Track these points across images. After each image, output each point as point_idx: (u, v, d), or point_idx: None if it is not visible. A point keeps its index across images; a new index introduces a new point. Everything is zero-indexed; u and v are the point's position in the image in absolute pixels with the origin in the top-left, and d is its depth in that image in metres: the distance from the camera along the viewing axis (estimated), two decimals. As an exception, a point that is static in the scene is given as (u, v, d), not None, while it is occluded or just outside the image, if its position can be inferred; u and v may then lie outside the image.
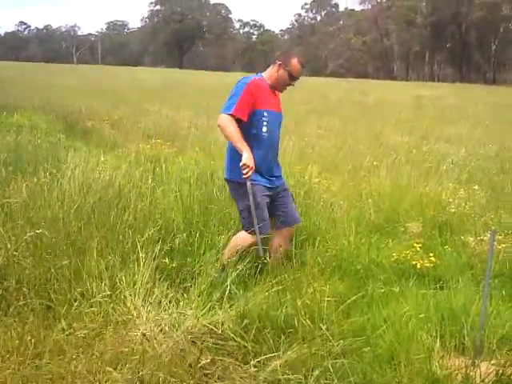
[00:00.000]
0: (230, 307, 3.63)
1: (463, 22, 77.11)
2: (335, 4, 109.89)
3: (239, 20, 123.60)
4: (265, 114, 4.42)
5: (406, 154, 10.73)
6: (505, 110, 25.42)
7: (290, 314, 3.54)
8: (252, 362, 3.14)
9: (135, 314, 3.36)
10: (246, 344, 3.30)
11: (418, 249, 4.99)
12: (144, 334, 3.05)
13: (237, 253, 4.28)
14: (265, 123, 4.42)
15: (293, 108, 19.07)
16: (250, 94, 4.36)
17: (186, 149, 10.22)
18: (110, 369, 2.85)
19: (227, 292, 3.76)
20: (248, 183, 4.24)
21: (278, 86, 4.54)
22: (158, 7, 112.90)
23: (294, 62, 4.38)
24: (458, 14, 75.40)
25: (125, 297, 3.51)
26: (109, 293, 3.51)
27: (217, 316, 3.51)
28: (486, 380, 3.05)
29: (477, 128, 17.40)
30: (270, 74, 4.53)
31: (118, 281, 3.64)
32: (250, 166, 4.16)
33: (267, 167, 4.52)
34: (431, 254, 4.90)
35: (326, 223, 5.57)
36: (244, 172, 4.17)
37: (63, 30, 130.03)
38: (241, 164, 4.16)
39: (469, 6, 73.43)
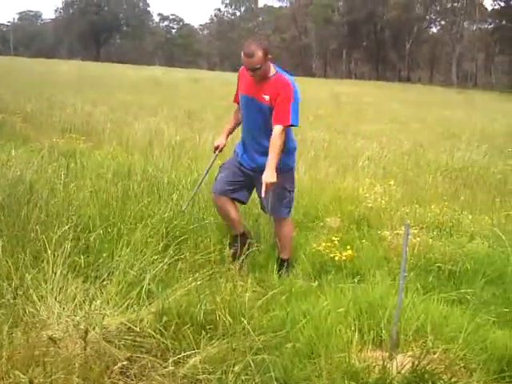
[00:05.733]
0: (149, 304, 3.56)
1: (379, 21, 79.18)
2: (254, 0, 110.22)
3: (159, 14, 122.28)
4: (240, 97, 4.84)
5: (324, 150, 10.87)
6: (418, 108, 26.27)
7: (209, 310, 3.50)
8: (171, 359, 3.09)
9: (45, 315, 3.23)
10: (165, 341, 3.24)
11: (336, 242, 5.04)
12: (50, 338, 2.92)
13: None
14: (242, 105, 4.85)
15: (213, 104, 19.04)
16: (238, 81, 4.93)
17: (103, 143, 9.97)
18: (19, 373, 2.72)
19: (145, 289, 3.68)
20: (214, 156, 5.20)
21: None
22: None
23: (242, 54, 4.51)
24: (373, 14, 77.35)
25: (36, 296, 3.37)
26: (18, 292, 3.36)
27: (135, 314, 3.42)
28: (403, 371, 3.10)
29: (392, 125, 17.89)
30: None
31: (28, 280, 3.49)
32: (215, 146, 5.12)
33: (243, 147, 4.94)
34: (348, 247, 4.97)
35: (247, 218, 5.57)
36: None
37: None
38: None
39: (384, 5, 75.41)
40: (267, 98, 4.61)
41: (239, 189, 4.93)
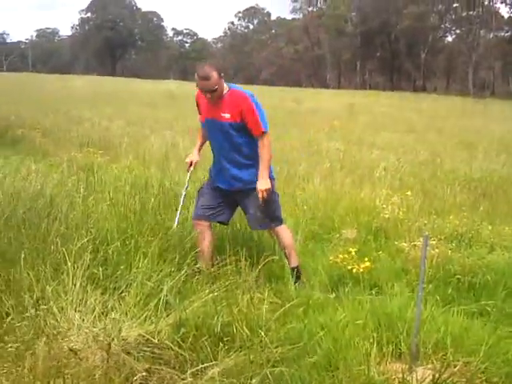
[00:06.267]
0: (167, 316, 3.57)
1: (392, 31, 78.84)
2: (267, 13, 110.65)
3: (173, 28, 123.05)
4: (203, 122, 4.93)
5: (340, 161, 10.87)
6: (434, 118, 26.15)
7: (226, 321, 3.50)
8: (189, 371, 3.08)
9: (66, 326, 3.26)
10: (183, 352, 3.25)
11: (354, 253, 5.02)
12: (71, 349, 2.94)
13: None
14: (206, 129, 4.95)
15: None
16: (196, 104, 4.98)
17: (120, 157, 10.07)
18: (41, 384, 2.74)
19: (163, 300, 3.70)
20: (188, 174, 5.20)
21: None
22: (88, 15, 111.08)
23: (196, 76, 4.57)
24: (387, 24, 77.04)
25: (56, 308, 3.39)
26: (40, 304, 3.39)
27: (153, 325, 3.44)
28: (423, 384, 3.08)
29: (408, 135, 17.83)
30: None
31: (49, 292, 3.52)
32: (188, 162, 5.12)
33: (217, 168, 4.96)
34: (366, 259, 4.93)
35: (261, 231, 5.55)
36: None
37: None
38: None
39: (397, 15, 75.15)
40: (227, 115, 4.69)
41: (220, 211, 4.95)
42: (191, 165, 5.11)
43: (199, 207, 4.96)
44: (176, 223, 4.96)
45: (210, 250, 4.84)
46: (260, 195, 4.66)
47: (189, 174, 5.19)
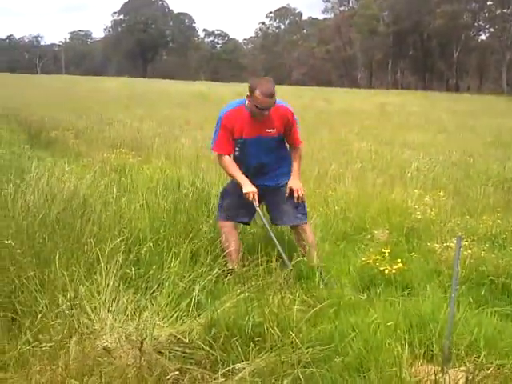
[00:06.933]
0: (198, 316, 3.60)
1: (425, 30, 78.07)
2: (299, 13, 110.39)
3: (204, 29, 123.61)
4: (238, 142, 4.76)
5: (371, 161, 10.80)
6: (467, 117, 25.79)
7: (257, 322, 3.50)
8: (221, 371, 3.10)
9: (98, 326, 3.30)
10: (214, 353, 3.27)
11: (387, 254, 4.98)
12: (105, 348, 2.98)
13: None
14: (237, 149, 4.80)
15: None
16: (225, 130, 4.73)
17: (151, 158, 10.16)
18: (75, 382, 2.78)
19: (195, 301, 3.73)
20: (256, 207, 4.76)
21: (253, 116, 4.66)
22: (121, 17, 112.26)
23: (257, 93, 4.49)
24: (419, 23, 76.30)
25: (89, 308, 3.44)
26: (74, 304, 3.44)
27: (184, 325, 3.47)
28: (455, 387, 3.04)
29: (440, 135, 17.63)
30: (246, 103, 4.70)
31: (83, 292, 3.57)
32: (251, 193, 4.68)
33: (253, 181, 4.80)
34: (399, 260, 4.89)
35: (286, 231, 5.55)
36: (250, 199, 4.69)
37: (26, 40, 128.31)
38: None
39: (430, 14, 74.33)
40: (273, 130, 4.75)
41: (244, 212, 4.92)
42: (254, 194, 4.71)
43: (226, 208, 4.95)
44: (289, 263, 4.60)
45: (238, 250, 4.87)
46: (295, 194, 4.82)
47: (257, 207, 4.77)
